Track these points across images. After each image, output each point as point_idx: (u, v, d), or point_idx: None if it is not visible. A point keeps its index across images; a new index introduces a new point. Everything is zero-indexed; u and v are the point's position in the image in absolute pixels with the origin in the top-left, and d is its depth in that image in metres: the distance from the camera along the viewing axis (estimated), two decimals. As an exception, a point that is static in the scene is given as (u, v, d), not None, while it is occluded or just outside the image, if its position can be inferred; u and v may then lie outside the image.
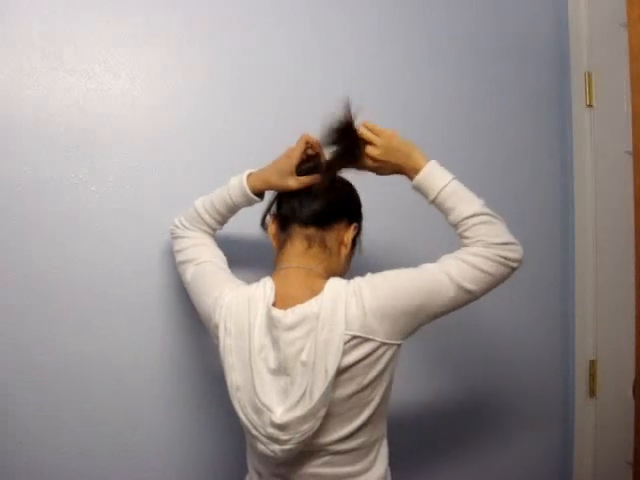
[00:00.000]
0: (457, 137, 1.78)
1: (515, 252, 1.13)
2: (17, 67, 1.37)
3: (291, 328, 1.07)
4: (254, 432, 1.09)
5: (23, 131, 1.37)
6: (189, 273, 1.25)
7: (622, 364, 1.71)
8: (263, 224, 1.27)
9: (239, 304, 1.12)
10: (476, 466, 1.81)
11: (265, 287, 1.13)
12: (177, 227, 1.31)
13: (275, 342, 1.08)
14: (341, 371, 1.05)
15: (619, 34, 1.65)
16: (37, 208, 1.38)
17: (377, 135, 1.20)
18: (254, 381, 1.08)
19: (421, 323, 1.12)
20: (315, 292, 1.10)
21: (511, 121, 1.87)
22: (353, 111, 1.19)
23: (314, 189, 1.19)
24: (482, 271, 1.10)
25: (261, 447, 1.09)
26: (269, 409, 1.06)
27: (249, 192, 1.24)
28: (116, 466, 1.43)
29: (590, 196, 1.86)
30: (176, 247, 1.31)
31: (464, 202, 1.15)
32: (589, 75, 1.86)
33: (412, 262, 1.15)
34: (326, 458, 1.11)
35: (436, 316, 1.13)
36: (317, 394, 1.04)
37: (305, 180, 1.19)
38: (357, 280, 1.11)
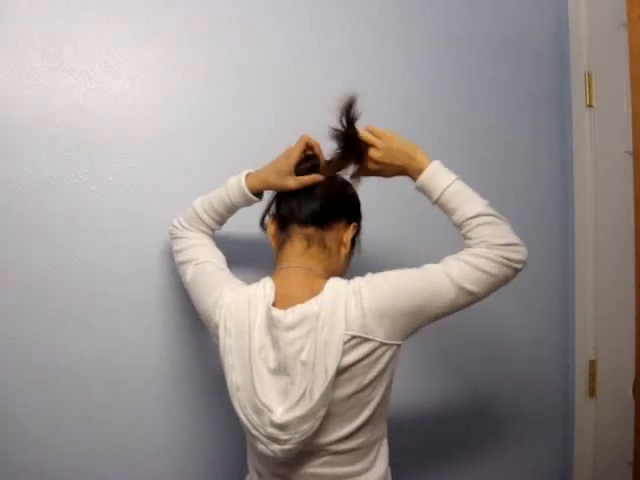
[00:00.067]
0: (457, 137, 1.78)
1: (519, 253, 1.11)
2: (17, 67, 1.37)
3: (291, 328, 1.07)
4: (254, 432, 1.09)
5: (23, 131, 1.37)
6: (189, 273, 1.25)
7: (622, 364, 1.71)
8: (262, 224, 1.27)
9: (239, 304, 1.12)
10: (476, 465, 1.81)
11: (265, 287, 1.13)
12: (176, 228, 1.31)
13: (275, 342, 1.08)
14: (341, 371, 1.05)
15: (619, 34, 1.65)
16: (37, 208, 1.38)
17: (378, 137, 1.20)
18: (254, 381, 1.08)
19: (421, 324, 1.12)
20: (315, 292, 1.10)
21: (511, 121, 1.87)
22: (355, 111, 1.18)
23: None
24: (484, 272, 1.09)
25: (261, 447, 1.09)
26: (269, 409, 1.06)
27: (248, 192, 1.24)
28: (116, 466, 1.43)
29: (590, 196, 1.86)
30: (175, 247, 1.31)
31: (468, 202, 1.15)
32: (589, 75, 1.86)
33: (412, 262, 1.15)
34: (326, 458, 1.11)
35: (437, 317, 1.12)
36: (317, 394, 1.04)
37: (304, 180, 1.19)
38: (357, 280, 1.11)
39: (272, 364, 1.09)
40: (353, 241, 1.23)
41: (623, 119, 1.63)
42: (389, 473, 1.19)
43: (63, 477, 1.39)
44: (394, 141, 1.20)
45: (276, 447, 1.07)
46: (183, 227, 1.30)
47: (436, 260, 1.14)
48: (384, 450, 1.18)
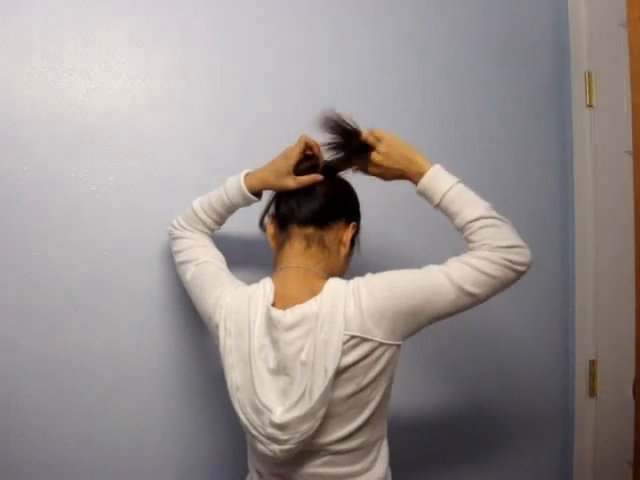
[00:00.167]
0: (458, 137, 1.78)
1: (521, 255, 1.10)
2: (17, 67, 1.37)
3: (290, 328, 1.07)
4: (254, 432, 1.09)
5: (23, 131, 1.37)
6: (189, 273, 1.25)
7: (622, 364, 1.71)
8: (261, 225, 1.27)
9: (239, 304, 1.13)
10: (476, 465, 1.81)
11: (265, 287, 1.13)
12: (175, 228, 1.31)
13: (275, 342, 1.08)
14: (340, 371, 1.05)
15: (619, 34, 1.65)
16: (37, 208, 1.38)
17: (378, 140, 1.19)
18: (254, 381, 1.08)
19: (421, 324, 1.11)
20: (315, 292, 1.10)
21: (511, 121, 1.87)
22: (354, 121, 1.20)
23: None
24: (485, 274, 1.08)
25: (261, 447, 1.09)
26: (269, 409, 1.06)
27: (247, 192, 1.24)
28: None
29: (590, 196, 1.86)
30: (175, 248, 1.31)
31: (469, 205, 1.14)
32: (589, 75, 1.85)
33: (413, 262, 1.15)
34: (326, 458, 1.11)
35: (438, 318, 1.11)
36: (316, 394, 1.04)
37: (303, 180, 1.19)
38: (356, 280, 1.11)
39: (272, 364, 1.09)
40: (352, 241, 1.23)
41: (623, 119, 1.63)
42: (389, 473, 1.19)
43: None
44: (395, 144, 1.19)
45: (276, 447, 1.07)
46: (182, 227, 1.30)
47: (437, 259, 1.14)
48: (384, 450, 1.18)
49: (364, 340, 1.06)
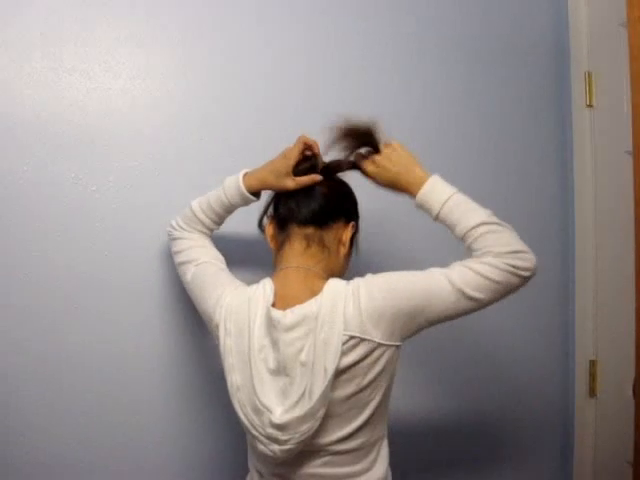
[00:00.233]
0: (458, 137, 1.78)
1: (525, 261, 1.08)
2: (17, 67, 1.37)
3: (290, 329, 1.07)
4: (254, 432, 1.09)
5: (23, 131, 1.37)
6: (189, 274, 1.25)
7: (622, 364, 1.71)
8: (260, 226, 1.27)
9: (239, 305, 1.13)
10: (476, 465, 1.81)
11: (265, 288, 1.13)
12: (174, 229, 1.31)
13: (274, 342, 1.08)
14: (340, 372, 1.05)
15: (619, 34, 1.65)
16: (37, 208, 1.38)
17: (385, 143, 1.20)
18: (254, 381, 1.08)
19: (420, 326, 1.11)
20: (315, 292, 1.10)
21: (511, 121, 1.87)
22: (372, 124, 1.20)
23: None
24: (487, 279, 1.07)
25: (261, 447, 1.09)
26: (268, 409, 1.06)
27: (245, 192, 1.24)
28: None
29: (590, 196, 1.86)
30: (174, 248, 1.31)
31: (469, 213, 1.13)
32: (589, 75, 1.85)
33: (414, 262, 1.15)
34: (326, 458, 1.11)
35: (438, 321, 1.11)
36: (316, 394, 1.04)
37: (302, 180, 1.19)
38: (357, 280, 1.11)
39: (272, 364, 1.09)
40: (352, 241, 1.23)
41: (623, 119, 1.63)
42: (389, 474, 1.19)
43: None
44: (398, 150, 1.20)
45: (276, 447, 1.07)
46: (181, 228, 1.30)
47: (438, 260, 1.14)
48: (384, 451, 1.18)
49: (363, 340, 1.06)
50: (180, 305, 1.46)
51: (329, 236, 1.19)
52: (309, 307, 1.08)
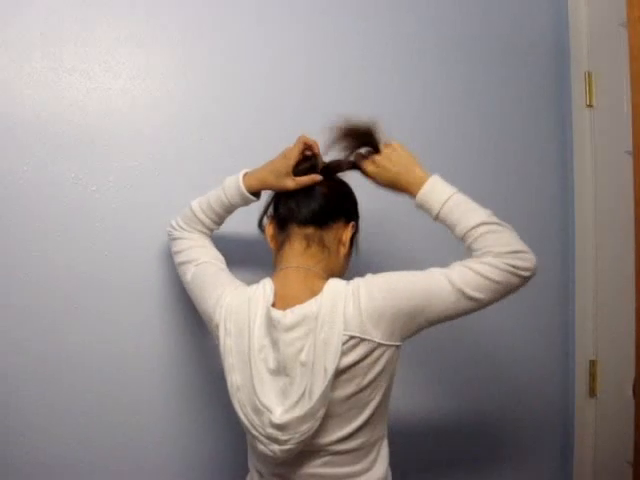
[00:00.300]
0: (458, 137, 1.78)
1: (525, 261, 1.08)
2: (17, 67, 1.37)
3: (290, 329, 1.07)
4: (254, 432, 1.09)
5: (23, 131, 1.37)
6: (189, 273, 1.25)
7: (622, 364, 1.71)
8: (260, 226, 1.27)
9: (239, 304, 1.13)
10: (476, 465, 1.81)
11: (265, 288, 1.13)
12: (174, 229, 1.31)
13: (274, 342, 1.08)
14: (340, 372, 1.05)
15: (619, 34, 1.65)
16: (37, 208, 1.38)
17: (385, 143, 1.21)
18: (254, 381, 1.08)
19: (420, 326, 1.11)
20: (315, 292, 1.10)
21: (511, 121, 1.87)
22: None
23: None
24: (487, 279, 1.06)
25: (261, 447, 1.09)
26: (268, 409, 1.06)
27: (245, 192, 1.24)
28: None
29: (590, 196, 1.86)
30: (174, 248, 1.31)
31: (470, 213, 1.13)
32: (589, 75, 1.85)
33: (414, 263, 1.15)
34: (326, 458, 1.11)
35: (438, 321, 1.11)
36: (316, 394, 1.04)
37: (302, 181, 1.19)
38: (357, 280, 1.11)
39: (272, 364, 1.09)
40: (352, 241, 1.23)
41: (623, 119, 1.63)
42: (389, 474, 1.19)
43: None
44: (399, 150, 1.20)
45: (276, 447, 1.07)
46: (181, 228, 1.30)
47: (438, 259, 1.14)
48: (384, 451, 1.18)
49: (363, 340, 1.06)
50: (180, 305, 1.46)
51: (329, 236, 1.19)
52: (309, 307, 1.08)
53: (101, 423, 1.43)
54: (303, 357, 1.07)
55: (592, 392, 1.86)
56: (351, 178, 1.26)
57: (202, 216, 1.28)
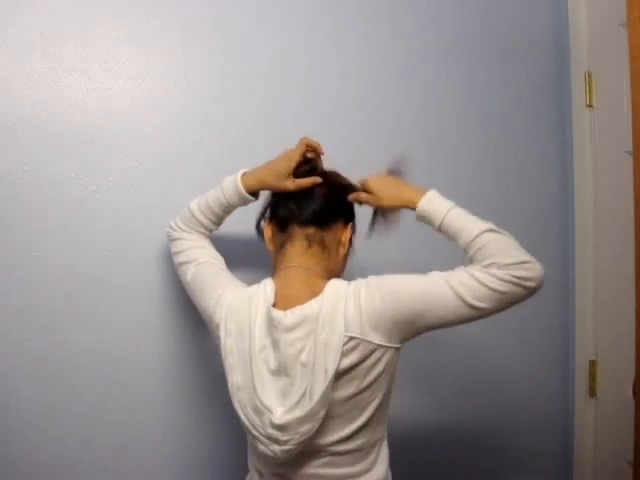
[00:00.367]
0: (458, 137, 1.78)
1: (531, 271, 1.05)
2: (17, 67, 1.37)
3: (291, 329, 1.07)
4: (254, 432, 1.09)
5: (23, 131, 1.37)
6: (189, 273, 1.25)
7: (622, 364, 1.71)
8: (258, 228, 1.28)
9: (240, 304, 1.13)
10: (476, 465, 1.81)
11: (265, 288, 1.13)
12: (173, 229, 1.31)
13: (275, 343, 1.08)
14: (340, 373, 1.05)
15: (619, 34, 1.65)
16: (37, 208, 1.38)
17: (363, 183, 1.23)
18: (254, 381, 1.08)
19: (420, 331, 1.10)
20: (316, 292, 1.10)
21: (511, 121, 1.87)
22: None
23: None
24: (491, 289, 1.04)
25: (261, 447, 1.09)
26: (269, 410, 1.06)
27: (244, 191, 1.24)
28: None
29: (590, 196, 1.86)
30: (174, 249, 1.31)
31: (471, 223, 1.12)
32: (589, 75, 1.85)
33: (415, 262, 1.15)
34: (326, 459, 1.11)
35: (438, 326, 1.09)
36: (316, 395, 1.04)
37: (303, 182, 1.20)
38: (358, 281, 1.11)
39: (272, 365, 1.09)
40: (350, 241, 1.23)
41: (623, 119, 1.63)
42: (389, 475, 1.19)
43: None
44: (380, 176, 1.23)
45: (276, 448, 1.07)
46: (180, 229, 1.30)
47: (437, 260, 1.14)
48: (384, 452, 1.17)
49: (363, 342, 1.06)
50: (180, 305, 1.45)
51: (329, 237, 1.19)
52: (310, 308, 1.08)
53: (101, 423, 1.43)
54: (304, 358, 1.06)
55: (592, 392, 1.86)
56: (351, 178, 1.26)
57: (201, 217, 1.28)
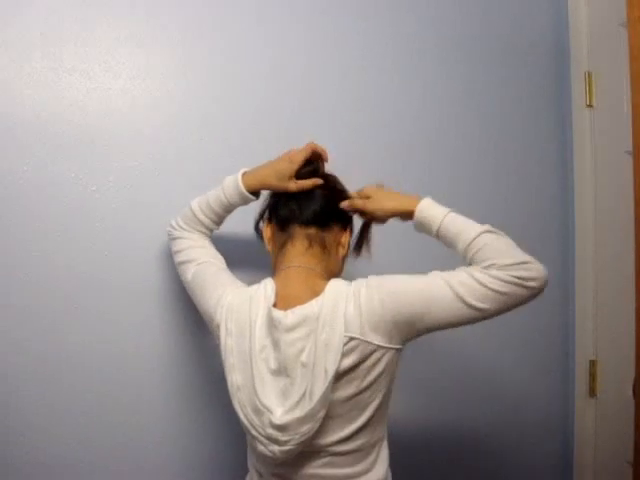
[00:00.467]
0: (458, 137, 1.78)
1: (531, 271, 1.05)
2: (17, 67, 1.37)
3: (291, 329, 1.07)
4: (254, 432, 1.09)
5: (23, 131, 1.37)
6: (190, 273, 1.25)
7: (622, 364, 1.71)
8: (257, 229, 1.28)
9: (240, 304, 1.13)
10: (476, 464, 1.81)
11: (266, 288, 1.13)
12: (174, 229, 1.31)
13: (276, 343, 1.08)
14: (340, 373, 1.05)
15: (619, 34, 1.65)
16: (37, 208, 1.38)
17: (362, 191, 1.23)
18: (254, 381, 1.08)
19: (420, 332, 1.10)
20: (316, 292, 1.10)
21: (511, 121, 1.87)
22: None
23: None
24: (492, 290, 1.04)
25: (261, 447, 1.09)
26: (269, 410, 1.06)
27: (244, 191, 1.24)
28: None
29: (590, 196, 1.86)
30: (175, 248, 1.31)
31: (470, 225, 1.12)
32: (589, 75, 1.85)
33: (415, 263, 1.15)
34: (326, 459, 1.11)
35: (439, 328, 1.09)
36: (317, 395, 1.04)
37: (305, 184, 1.20)
38: (359, 281, 1.11)
39: (273, 365, 1.09)
40: (348, 243, 1.24)
41: (623, 119, 1.63)
42: (389, 475, 1.19)
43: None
44: (376, 188, 1.23)
45: (275, 448, 1.07)
46: (181, 228, 1.30)
47: (438, 259, 1.14)
48: (384, 452, 1.17)
49: (363, 342, 1.06)
50: (180, 305, 1.45)
51: (329, 237, 1.20)
52: (310, 308, 1.08)
53: (101, 423, 1.43)
54: (304, 358, 1.06)
55: (592, 392, 1.86)
56: (350, 180, 1.26)
57: (202, 216, 1.28)
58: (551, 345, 1.91)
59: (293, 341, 1.07)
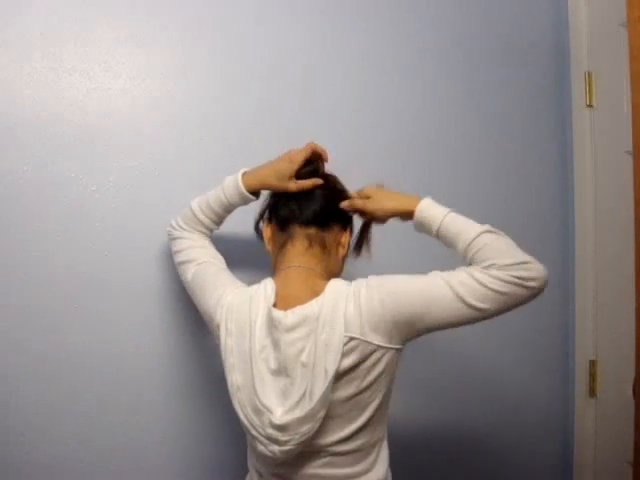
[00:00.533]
0: (458, 137, 1.78)
1: (531, 271, 1.05)
2: (17, 67, 1.37)
3: (291, 329, 1.07)
4: (254, 432, 1.09)
5: (23, 131, 1.37)
6: (190, 273, 1.25)
7: (622, 364, 1.71)
8: (257, 229, 1.28)
9: (240, 304, 1.13)
10: (476, 464, 1.81)
11: (266, 288, 1.13)
12: (174, 228, 1.32)
13: (276, 343, 1.08)
14: (340, 373, 1.05)
15: (619, 34, 1.65)
16: (37, 208, 1.38)
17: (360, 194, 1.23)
18: (254, 381, 1.08)
19: (420, 332, 1.10)
20: (316, 292, 1.10)
21: (511, 121, 1.87)
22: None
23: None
24: (492, 290, 1.04)
25: (261, 447, 1.09)
26: (269, 410, 1.06)
27: (244, 191, 1.24)
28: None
29: (590, 196, 1.86)
30: (175, 248, 1.31)
31: (469, 225, 1.12)
32: (589, 75, 1.86)
33: (415, 263, 1.15)
34: (326, 459, 1.11)
35: (439, 328, 1.09)
36: (317, 395, 1.04)
37: (305, 184, 1.20)
38: (359, 281, 1.11)
39: (273, 365, 1.09)
40: (348, 243, 1.24)
41: (623, 119, 1.63)
42: (389, 475, 1.19)
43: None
44: (376, 188, 1.23)
45: (275, 448, 1.07)
46: (181, 228, 1.30)
47: (437, 259, 1.14)
48: (384, 452, 1.17)
49: (363, 342, 1.06)
50: (180, 305, 1.45)
51: (329, 237, 1.20)
52: (310, 308, 1.08)
53: (101, 423, 1.43)
54: (304, 358, 1.06)
55: (592, 392, 1.86)
56: (350, 180, 1.26)
57: (202, 216, 1.28)
58: (551, 345, 1.91)
59: (293, 341, 1.07)
